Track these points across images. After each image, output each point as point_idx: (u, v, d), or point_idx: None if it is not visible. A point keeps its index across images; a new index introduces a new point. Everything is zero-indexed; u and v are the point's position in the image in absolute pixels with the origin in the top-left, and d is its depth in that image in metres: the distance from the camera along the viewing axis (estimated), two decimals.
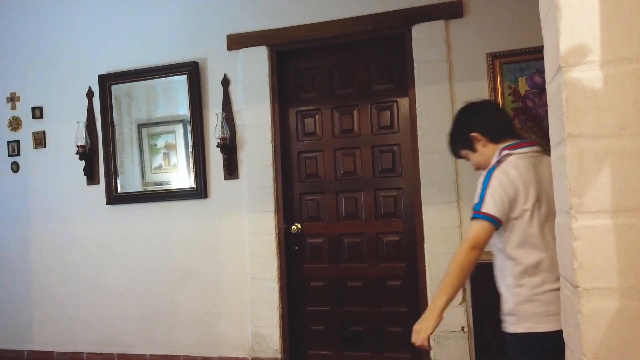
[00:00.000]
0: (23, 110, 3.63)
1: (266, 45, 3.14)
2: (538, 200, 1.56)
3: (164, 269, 3.31)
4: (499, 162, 1.61)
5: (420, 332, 1.58)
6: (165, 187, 3.34)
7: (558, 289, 1.18)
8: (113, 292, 3.40)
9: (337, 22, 3.02)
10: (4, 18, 3.71)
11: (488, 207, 1.53)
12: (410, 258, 3.00)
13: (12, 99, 3.65)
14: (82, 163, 3.40)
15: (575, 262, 0.95)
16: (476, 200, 1.57)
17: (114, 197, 3.39)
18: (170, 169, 3.34)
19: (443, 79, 2.83)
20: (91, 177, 3.44)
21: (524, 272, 1.57)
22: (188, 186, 3.26)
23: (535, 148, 1.64)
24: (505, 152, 1.61)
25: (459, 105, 2.76)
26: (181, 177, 3.31)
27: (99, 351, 3.42)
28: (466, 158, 1.78)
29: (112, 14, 3.47)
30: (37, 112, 3.59)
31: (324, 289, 3.17)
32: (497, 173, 1.56)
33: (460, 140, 1.75)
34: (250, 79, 3.16)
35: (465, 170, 2.79)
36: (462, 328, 2.78)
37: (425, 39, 2.86)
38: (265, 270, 3.11)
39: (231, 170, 3.17)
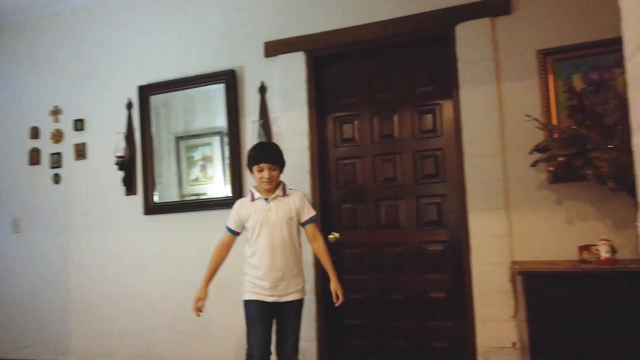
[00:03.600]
0: (65, 123, 3.70)
1: (304, 51, 3.09)
2: None
3: (200, 278, 3.24)
4: (285, 187, 2.48)
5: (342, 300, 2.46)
6: (200, 196, 3.31)
7: None
8: (150, 304, 3.38)
9: (377, 24, 2.93)
10: (47, 34, 3.82)
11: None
12: (456, 269, 2.83)
13: (55, 112, 3.74)
14: (121, 173, 3.43)
15: None
16: (313, 212, 2.50)
17: (151, 207, 3.39)
18: (207, 181, 3.32)
19: (490, 79, 2.69)
20: (129, 187, 3.45)
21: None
22: (224, 195, 3.22)
23: None
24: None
25: (507, 105, 2.66)
26: (218, 188, 3.27)
27: None
28: (272, 172, 2.39)
29: (150, 26, 3.52)
30: (79, 125, 3.66)
31: (364, 301, 3.03)
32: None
33: (284, 162, 2.46)
34: (288, 85, 3.11)
35: (516, 174, 2.63)
36: (514, 344, 2.58)
37: (470, 38, 2.73)
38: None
39: None
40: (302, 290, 2.46)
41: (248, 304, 2.43)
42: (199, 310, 2.45)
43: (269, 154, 2.42)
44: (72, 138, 3.68)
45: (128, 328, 3.42)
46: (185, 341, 3.27)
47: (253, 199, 2.45)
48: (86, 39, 3.70)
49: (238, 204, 2.51)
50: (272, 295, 2.37)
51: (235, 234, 2.50)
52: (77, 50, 3.72)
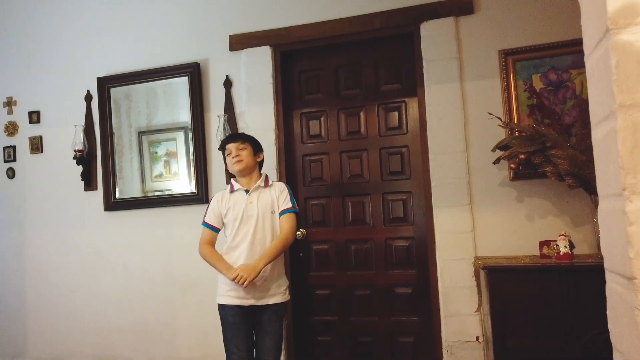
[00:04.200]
0: (20, 115, 3.53)
1: (270, 46, 3.05)
2: None
3: (163, 277, 3.18)
4: (267, 178, 2.31)
5: (244, 280, 2.02)
6: (164, 192, 3.23)
7: None
8: (111, 303, 3.27)
9: (344, 20, 2.93)
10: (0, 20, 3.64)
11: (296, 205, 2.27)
12: (421, 265, 2.87)
13: (9, 103, 3.56)
14: (80, 168, 3.29)
15: (630, 251, 0.83)
16: (290, 204, 2.24)
17: (112, 204, 3.28)
18: (171, 177, 3.24)
19: (453, 77, 2.73)
20: (89, 182, 3.33)
21: None
22: (188, 191, 3.15)
23: None
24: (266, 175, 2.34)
25: (470, 104, 2.71)
26: (182, 184, 3.20)
27: None
28: (241, 152, 2.23)
29: (111, 14, 3.39)
30: (34, 117, 3.50)
31: (331, 297, 3.03)
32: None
33: (257, 143, 2.33)
34: (254, 80, 3.07)
35: (479, 172, 2.68)
36: (477, 338, 2.64)
37: (435, 37, 2.77)
38: None
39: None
40: (285, 292, 2.22)
41: (223, 309, 2.19)
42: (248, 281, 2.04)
43: (235, 135, 2.31)
44: (27, 131, 3.51)
45: (88, 328, 3.31)
46: (148, 341, 3.19)
47: (232, 191, 2.26)
48: (43, 26, 3.53)
49: (216, 196, 2.30)
50: (249, 298, 2.13)
51: (214, 230, 2.25)
52: (32, 38, 3.55)
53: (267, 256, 2.09)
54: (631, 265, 0.83)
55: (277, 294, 2.18)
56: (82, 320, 3.32)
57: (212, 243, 2.25)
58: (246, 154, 2.23)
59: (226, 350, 2.16)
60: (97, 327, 3.29)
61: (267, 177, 2.31)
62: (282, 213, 2.20)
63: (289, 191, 2.26)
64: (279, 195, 2.23)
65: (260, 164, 2.33)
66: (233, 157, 2.22)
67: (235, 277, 2.03)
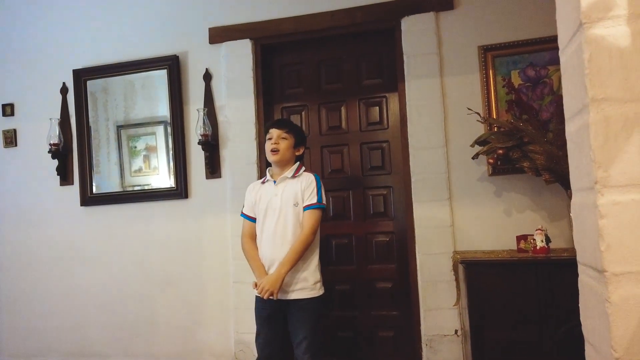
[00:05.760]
0: None
1: (250, 39, 3.02)
2: None
3: (142, 273, 3.14)
4: (299, 169, 2.21)
5: (269, 293, 2.01)
6: (143, 187, 3.18)
7: None
8: (88, 299, 3.21)
9: (325, 14, 2.91)
10: None
11: (325, 199, 2.19)
12: (401, 259, 2.88)
13: None
14: (55, 162, 3.22)
15: (602, 244, 0.84)
16: (316, 199, 2.13)
17: (89, 198, 3.22)
18: (151, 171, 3.19)
19: (434, 72, 2.73)
20: (65, 177, 3.26)
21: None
22: (167, 186, 3.11)
23: None
24: (303, 167, 2.27)
25: (450, 99, 2.72)
26: (161, 179, 3.16)
27: None
28: (280, 141, 2.17)
29: (88, 4, 3.31)
30: (8, 109, 3.41)
31: None
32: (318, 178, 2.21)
33: (301, 137, 2.27)
34: (234, 73, 3.03)
35: (458, 167, 2.70)
36: (456, 332, 2.66)
37: (415, 32, 2.77)
38: (249, 273, 2.93)
39: (213, 168, 3.02)
40: (313, 287, 2.11)
41: (255, 301, 2.19)
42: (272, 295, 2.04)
43: (281, 121, 2.28)
44: (0, 124, 3.42)
45: (65, 325, 3.24)
46: (126, 337, 3.14)
47: (264, 182, 2.24)
48: (17, 16, 3.44)
49: (250, 186, 2.29)
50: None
51: (252, 220, 2.22)
52: (6, 28, 3.45)
53: (289, 261, 2.04)
54: (602, 258, 0.84)
55: (305, 289, 2.10)
56: (58, 316, 3.26)
57: (253, 235, 2.21)
58: (285, 145, 2.17)
59: (255, 341, 2.21)
60: (74, 324, 3.23)
61: (299, 167, 2.22)
62: (305, 208, 2.12)
63: (317, 183, 2.16)
64: (306, 187, 2.14)
65: (299, 158, 2.27)
66: (272, 144, 2.17)
67: (260, 290, 2.04)
